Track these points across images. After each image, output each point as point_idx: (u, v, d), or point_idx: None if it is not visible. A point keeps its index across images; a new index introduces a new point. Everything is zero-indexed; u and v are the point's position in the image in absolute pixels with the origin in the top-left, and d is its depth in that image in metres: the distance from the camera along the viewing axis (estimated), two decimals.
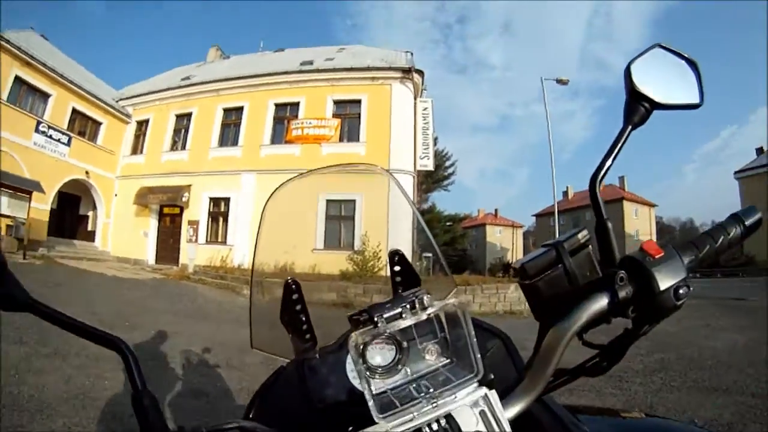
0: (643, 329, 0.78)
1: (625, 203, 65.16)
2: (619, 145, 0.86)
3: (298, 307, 1.26)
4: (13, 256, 17.59)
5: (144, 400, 0.77)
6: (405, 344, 0.87)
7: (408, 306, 0.81)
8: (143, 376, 0.80)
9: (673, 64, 0.93)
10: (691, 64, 0.94)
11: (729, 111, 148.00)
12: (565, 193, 72.61)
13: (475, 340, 0.81)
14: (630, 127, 0.86)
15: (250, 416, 1.06)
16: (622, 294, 0.76)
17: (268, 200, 1.31)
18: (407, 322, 0.81)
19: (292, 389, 1.07)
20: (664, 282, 0.74)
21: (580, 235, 0.84)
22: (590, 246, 0.84)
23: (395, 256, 1.30)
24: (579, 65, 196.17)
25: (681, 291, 0.74)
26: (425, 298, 0.81)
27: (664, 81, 0.88)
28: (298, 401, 1.01)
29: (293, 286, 1.26)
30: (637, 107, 0.86)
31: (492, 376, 0.83)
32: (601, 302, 0.76)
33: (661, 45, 0.93)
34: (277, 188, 1.34)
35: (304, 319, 1.26)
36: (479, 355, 0.81)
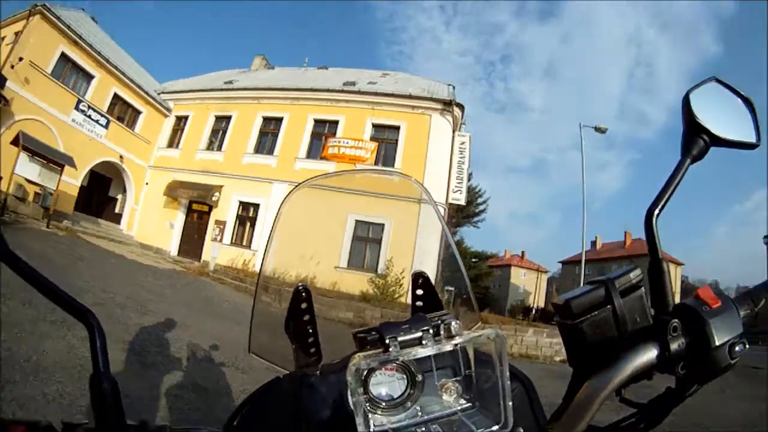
0: (691, 389, 0.71)
1: None
2: (677, 179, 0.81)
3: (306, 318, 1.18)
4: (37, 223, 18.05)
5: (103, 383, 0.71)
6: (419, 377, 0.78)
7: (430, 331, 0.73)
8: (107, 357, 0.74)
9: (729, 100, 0.90)
10: (747, 102, 0.91)
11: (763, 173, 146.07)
12: (594, 243, 71.80)
13: (509, 383, 0.72)
14: (689, 160, 0.82)
15: (234, 424, 0.98)
16: (674, 346, 0.69)
17: (286, 198, 1.25)
18: (427, 350, 0.72)
19: (284, 404, 0.96)
20: (721, 336, 0.68)
21: (632, 275, 0.78)
22: (643, 288, 0.78)
23: (419, 279, 1.22)
24: (617, 115, 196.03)
25: (737, 348, 0.68)
26: (453, 324, 0.72)
27: (721, 116, 0.85)
28: (288, 418, 0.92)
29: (303, 294, 1.18)
30: (696, 140, 0.82)
31: (521, 431, 0.74)
32: (650, 354, 0.70)
33: (718, 79, 0.90)
34: (296, 187, 1.28)
35: (311, 330, 1.19)
36: (510, 404, 0.73)
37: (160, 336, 7.42)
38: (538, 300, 63.18)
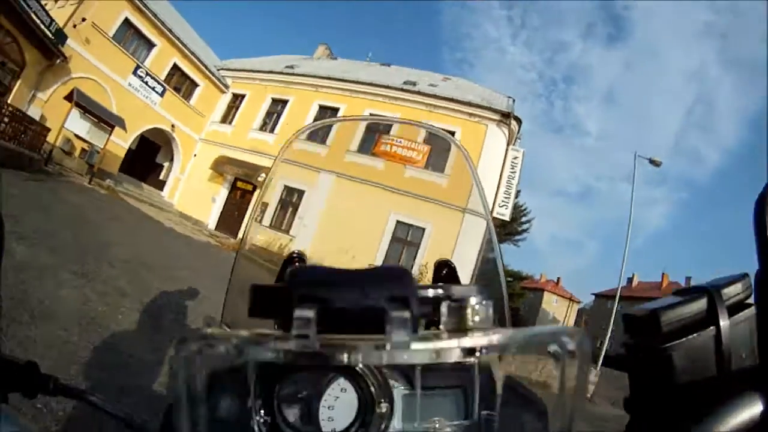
0: None
1: None
2: None
3: None
4: (79, 178, 18.48)
5: None
6: (384, 407, 0.49)
7: (414, 305, 0.36)
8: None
9: None
10: None
11: None
12: (630, 280, 70.39)
13: None
14: None
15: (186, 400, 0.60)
16: None
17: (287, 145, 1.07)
18: (398, 353, 0.34)
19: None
20: None
21: (741, 284, 0.55)
22: (754, 307, 0.54)
23: (444, 268, 0.92)
24: (672, 152, 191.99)
25: None
26: (474, 303, 0.38)
27: None
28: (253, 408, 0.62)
29: (297, 265, 0.85)
30: None
31: None
32: (754, 410, 0.47)
33: None
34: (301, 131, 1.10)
35: None
36: None
37: (180, 304, 7.49)
38: None
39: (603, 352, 22.30)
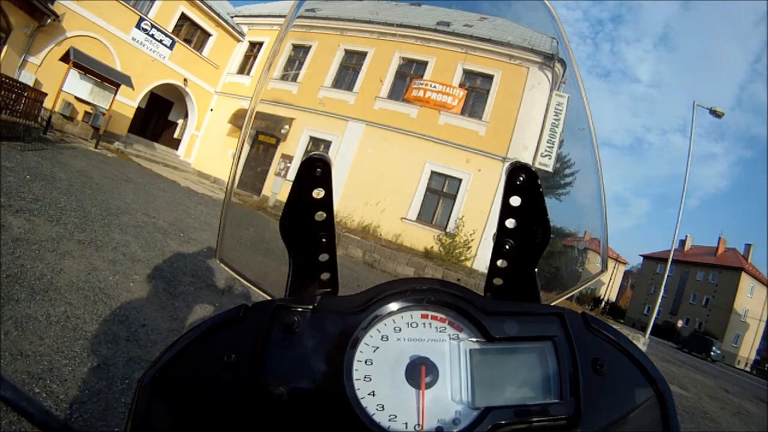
0: None
1: (743, 275, 62.06)
2: None
3: (320, 217, 0.74)
4: (84, 143, 18.71)
5: None
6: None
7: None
8: None
9: None
10: None
11: None
12: (683, 243, 69.88)
13: None
14: None
15: (165, 364, 0.64)
16: None
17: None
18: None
19: (247, 349, 0.63)
20: None
21: None
22: None
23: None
24: (734, 104, 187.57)
25: None
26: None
27: None
28: (252, 373, 0.60)
29: (318, 171, 0.71)
30: None
31: None
32: None
33: None
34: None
35: (324, 240, 0.76)
36: None
37: (199, 265, 7.50)
38: (610, 292, 62.13)
39: (651, 321, 22.05)
